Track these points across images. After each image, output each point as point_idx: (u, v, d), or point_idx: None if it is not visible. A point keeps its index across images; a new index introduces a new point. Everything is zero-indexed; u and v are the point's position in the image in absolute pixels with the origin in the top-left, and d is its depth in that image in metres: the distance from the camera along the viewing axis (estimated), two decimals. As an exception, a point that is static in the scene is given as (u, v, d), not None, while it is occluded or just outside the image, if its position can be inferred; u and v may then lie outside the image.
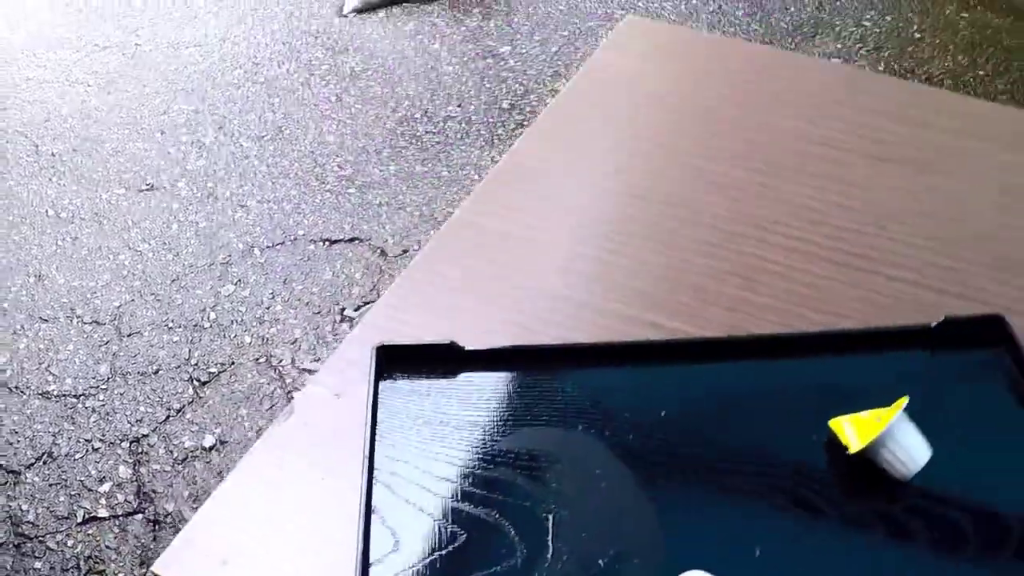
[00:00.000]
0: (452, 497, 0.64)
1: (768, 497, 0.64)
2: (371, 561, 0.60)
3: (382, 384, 0.72)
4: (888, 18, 2.70)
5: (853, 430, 0.64)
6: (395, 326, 0.77)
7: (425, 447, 0.67)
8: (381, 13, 2.72)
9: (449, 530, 0.62)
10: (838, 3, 2.77)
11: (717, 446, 0.67)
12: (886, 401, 0.65)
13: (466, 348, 0.72)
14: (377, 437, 0.68)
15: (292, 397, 1.58)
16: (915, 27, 2.66)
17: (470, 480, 0.65)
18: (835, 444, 0.65)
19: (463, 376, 0.72)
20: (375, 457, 0.66)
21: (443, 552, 0.61)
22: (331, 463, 0.68)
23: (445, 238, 0.86)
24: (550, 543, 0.61)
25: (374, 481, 0.65)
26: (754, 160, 0.93)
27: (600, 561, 0.60)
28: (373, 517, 0.63)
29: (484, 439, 0.68)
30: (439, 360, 0.73)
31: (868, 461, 0.64)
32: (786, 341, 0.73)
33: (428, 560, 0.61)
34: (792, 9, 2.72)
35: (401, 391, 0.71)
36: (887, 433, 0.62)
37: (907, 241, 0.84)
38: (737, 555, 0.60)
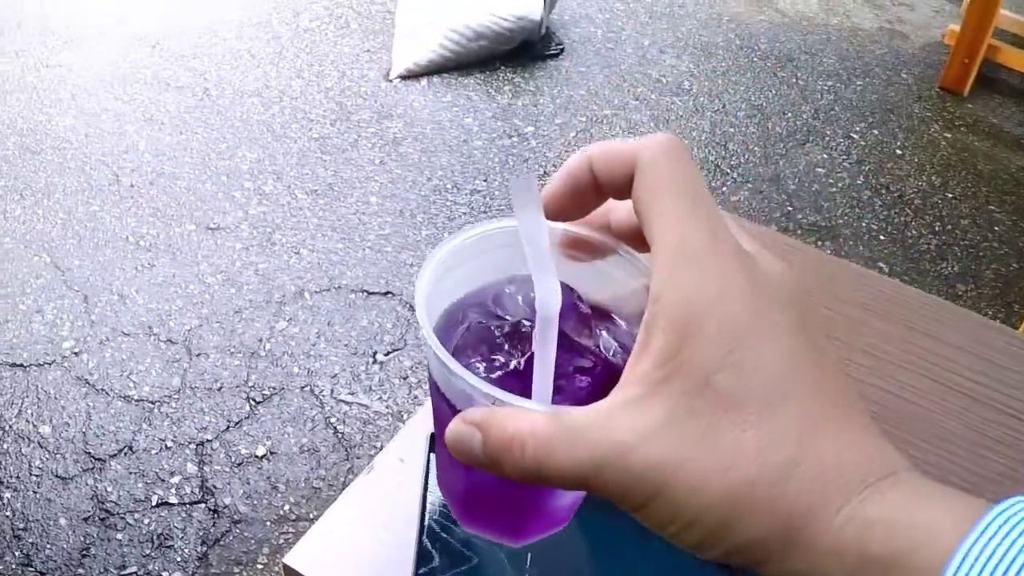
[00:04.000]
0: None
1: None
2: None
3: (432, 456, 1.11)
4: (875, 132, 3.10)
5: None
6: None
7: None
8: (423, 81, 3.12)
9: (465, 554, 1.02)
10: (833, 112, 3.17)
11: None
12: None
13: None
14: (428, 492, 1.07)
15: (336, 428, 1.98)
16: (898, 143, 3.06)
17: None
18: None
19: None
20: (425, 506, 1.06)
21: (460, 570, 1.01)
22: (396, 507, 1.07)
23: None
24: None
25: (425, 519, 1.04)
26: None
27: None
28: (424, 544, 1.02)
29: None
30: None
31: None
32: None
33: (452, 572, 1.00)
34: (789, 115, 3.13)
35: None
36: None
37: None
38: None
